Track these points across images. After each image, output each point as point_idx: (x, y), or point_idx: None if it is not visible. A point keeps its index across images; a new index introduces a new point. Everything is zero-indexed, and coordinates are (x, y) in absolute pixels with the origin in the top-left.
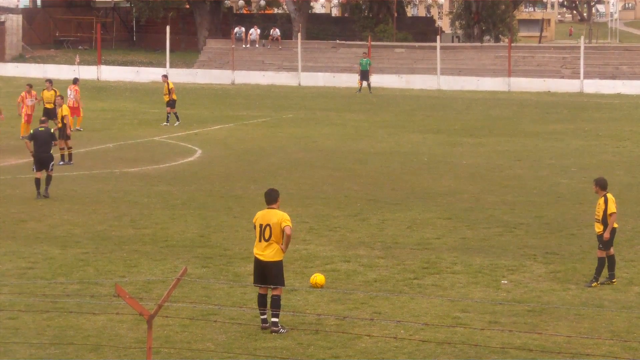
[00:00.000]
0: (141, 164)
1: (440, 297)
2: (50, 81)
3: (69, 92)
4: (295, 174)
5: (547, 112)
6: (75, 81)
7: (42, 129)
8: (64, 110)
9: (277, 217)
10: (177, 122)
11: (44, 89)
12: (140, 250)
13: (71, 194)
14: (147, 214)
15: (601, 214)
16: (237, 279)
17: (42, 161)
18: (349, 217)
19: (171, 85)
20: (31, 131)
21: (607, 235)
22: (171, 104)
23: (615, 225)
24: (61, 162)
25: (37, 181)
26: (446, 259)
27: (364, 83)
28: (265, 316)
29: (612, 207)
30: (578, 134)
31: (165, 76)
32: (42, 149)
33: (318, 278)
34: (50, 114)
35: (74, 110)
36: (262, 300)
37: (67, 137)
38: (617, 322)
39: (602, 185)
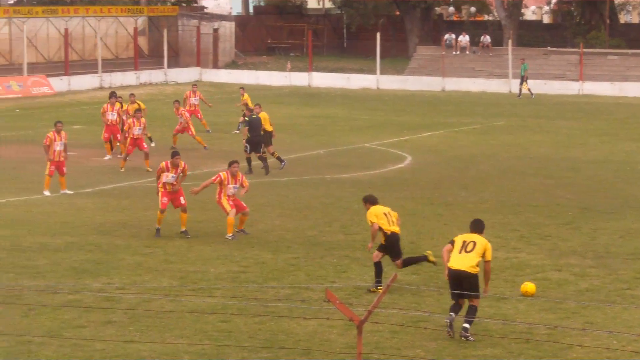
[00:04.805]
0: (352, 170)
1: None
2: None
3: (193, 99)
4: (505, 181)
5: None
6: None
7: (255, 116)
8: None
9: (483, 242)
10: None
11: (129, 103)
12: (351, 256)
13: (282, 199)
14: (358, 220)
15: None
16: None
17: (256, 144)
18: (561, 225)
19: (143, 106)
20: (246, 118)
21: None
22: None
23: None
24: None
25: (249, 160)
26: None
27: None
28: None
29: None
30: None
31: (133, 95)
32: (255, 133)
33: (529, 287)
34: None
35: (195, 112)
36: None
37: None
38: None
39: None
